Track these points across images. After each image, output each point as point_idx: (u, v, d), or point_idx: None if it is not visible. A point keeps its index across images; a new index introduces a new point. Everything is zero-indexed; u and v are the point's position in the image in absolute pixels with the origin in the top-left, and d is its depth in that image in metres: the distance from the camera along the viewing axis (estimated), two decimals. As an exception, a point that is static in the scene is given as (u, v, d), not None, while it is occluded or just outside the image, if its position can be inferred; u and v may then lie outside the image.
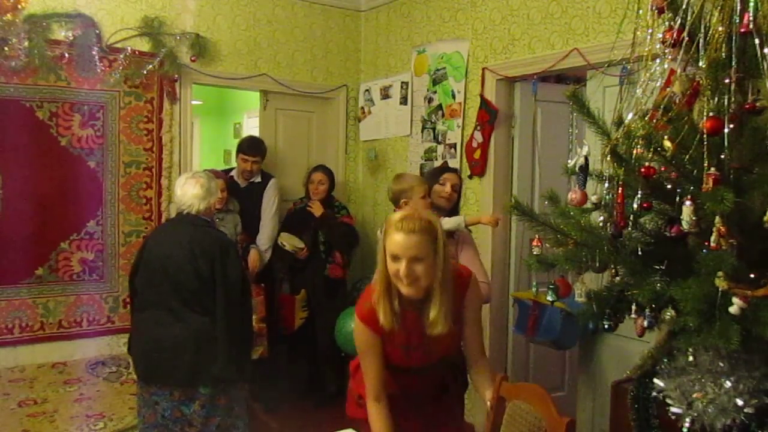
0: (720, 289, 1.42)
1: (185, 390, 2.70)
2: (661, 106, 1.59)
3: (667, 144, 1.57)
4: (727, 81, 1.50)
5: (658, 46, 1.66)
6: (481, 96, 3.94)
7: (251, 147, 4.28)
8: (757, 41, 1.46)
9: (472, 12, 4.07)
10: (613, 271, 1.75)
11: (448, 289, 1.94)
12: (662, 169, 1.65)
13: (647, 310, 1.62)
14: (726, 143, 1.47)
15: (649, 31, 1.66)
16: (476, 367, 2.16)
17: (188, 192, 2.79)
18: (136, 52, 3.96)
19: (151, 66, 3.99)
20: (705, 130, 1.47)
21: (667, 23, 1.64)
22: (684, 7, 1.59)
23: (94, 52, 3.80)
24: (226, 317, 2.69)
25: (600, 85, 3.21)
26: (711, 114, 1.48)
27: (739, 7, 1.48)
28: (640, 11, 1.71)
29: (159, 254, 2.77)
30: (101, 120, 3.94)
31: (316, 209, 4.23)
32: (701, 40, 1.54)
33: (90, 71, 3.82)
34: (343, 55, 4.97)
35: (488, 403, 2.08)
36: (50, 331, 3.81)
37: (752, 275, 1.48)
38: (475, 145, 3.99)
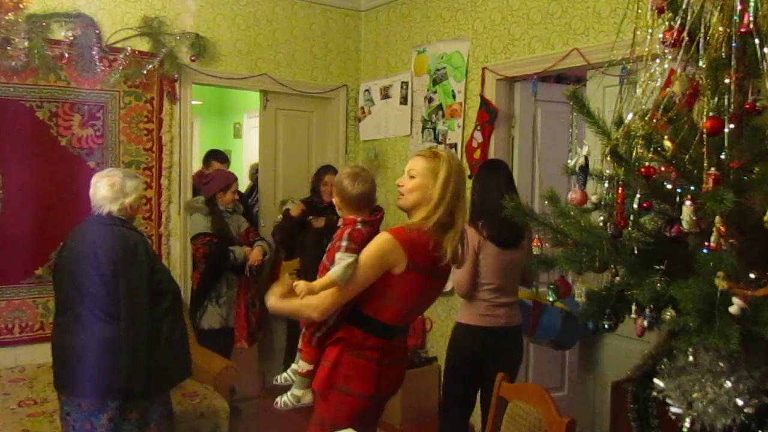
0: (720, 289, 1.42)
1: (92, 401, 2.54)
2: (661, 106, 1.60)
3: (667, 144, 1.57)
4: (727, 81, 1.50)
5: (658, 46, 1.66)
6: (481, 96, 3.94)
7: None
8: (757, 41, 1.46)
9: (472, 12, 4.07)
10: (613, 271, 1.75)
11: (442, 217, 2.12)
12: (662, 169, 1.65)
13: (647, 310, 1.62)
14: (726, 143, 1.47)
15: (649, 31, 1.66)
16: None
17: (98, 193, 2.62)
18: (136, 52, 3.96)
19: (151, 66, 3.99)
20: (705, 130, 1.47)
21: (667, 23, 1.64)
22: (684, 7, 1.59)
23: (94, 52, 3.80)
24: (130, 324, 2.49)
25: (600, 85, 3.21)
26: (711, 114, 1.48)
27: (739, 7, 1.48)
28: (640, 11, 1.71)
29: (65, 257, 2.63)
30: (101, 120, 3.94)
31: (317, 222, 4.22)
32: (701, 40, 1.54)
33: (90, 71, 3.81)
34: (343, 55, 4.97)
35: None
36: (50, 331, 3.79)
37: (752, 275, 1.48)
38: (475, 145, 3.99)
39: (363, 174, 2.23)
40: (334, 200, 2.28)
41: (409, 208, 2.19)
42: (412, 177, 2.17)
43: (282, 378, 2.37)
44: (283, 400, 2.32)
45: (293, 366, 2.34)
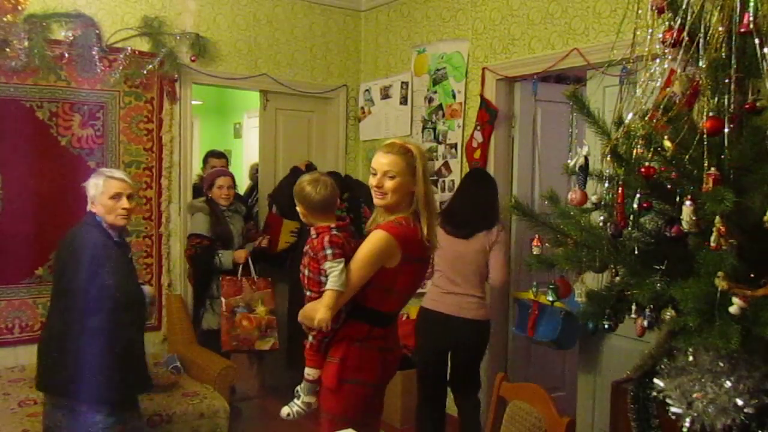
0: (720, 289, 1.42)
1: (50, 396, 2.58)
2: (661, 106, 1.59)
3: (667, 144, 1.57)
4: (727, 81, 1.50)
5: (658, 46, 1.65)
6: (481, 96, 3.94)
7: None
8: (757, 41, 1.46)
9: (472, 12, 4.07)
10: (613, 271, 1.75)
11: (431, 210, 2.23)
12: (662, 169, 1.65)
13: (647, 310, 1.63)
14: (726, 143, 1.47)
15: (649, 31, 1.66)
16: None
17: None
18: (136, 52, 3.96)
19: (151, 66, 3.99)
20: (705, 130, 1.47)
21: (667, 23, 1.63)
22: (684, 7, 1.59)
23: (94, 52, 3.80)
24: (67, 325, 2.47)
25: (600, 85, 3.21)
26: (711, 114, 1.48)
27: (739, 7, 1.48)
28: (640, 11, 1.71)
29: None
30: (101, 120, 3.94)
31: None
32: (701, 40, 1.54)
33: (90, 71, 3.82)
34: (343, 55, 4.97)
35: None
36: (50, 331, 3.81)
37: (752, 275, 1.48)
38: (475, 145, 3.99)
39: (323, 179, 2.28)
40: (298, 209, 2.31)
41: (393, 206, 2.24)
42: (391, 177, 2.18)
43: (295, 412, 2.34)
44: (295, 410, 2.34)
45: (304, 398, 2.34)
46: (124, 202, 2.60)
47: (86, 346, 2.45)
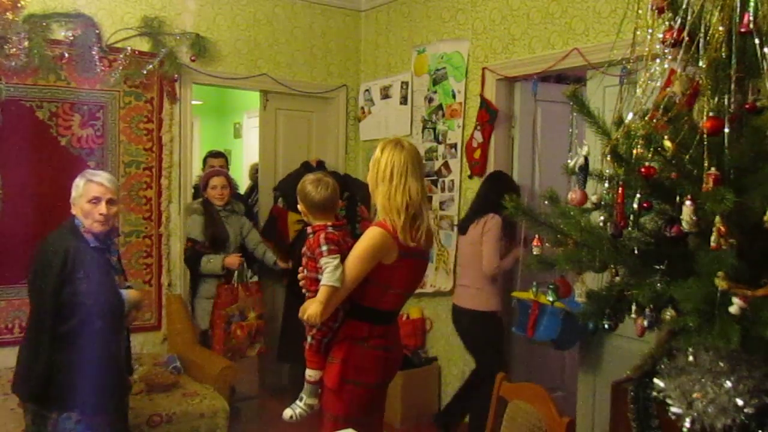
0: (720, 289, 1.42)
1: (20, 401, 2.60)
2: (661, 106, 1.59)
3: (667, 144, 1.57)
4: (727, 81, 1.50)
5: (658, 46, 1.66)
6: (481, 96, 3.94)
7: None
8: (757, 41, 1.46)
9: (472, 12, 4.07)
10: (613, 271, 1.76)
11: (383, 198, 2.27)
12: (662, 169, 1.65)
13: (647, 310, 1.63)
14: (726, 143, 1.47)
15: (649, 31, 1.66)
16: None
17: None
18: (136, 52, 3.96)
19: (151, 66, 3.99)
20: (705, 130, 1.47)
21: (667, 23, 1.64)
22: (684, 7, 1.59)
23: (94, 52, 3.80)
24: (36, 332, 2.39)
25: (600, 85, 3.21)
26: (711, 114, 1.47)
27: (739, 7, 1.48)
28: (640, 11, 1.71)
29: None
30: (101, 120, 3.94)
31: None
32: (701, 40, 1.54)
33: (90, 71, 3.82)
34: (343, 55, 4.97)
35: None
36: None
37: (752, 275, 1.48)
38: (475, 145, 3.99)
39: (325, 180, 2.32)
40: (299, 207, 2.35)
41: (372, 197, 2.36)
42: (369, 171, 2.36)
43: (297, 414, 2.34)
44: (297, 412, 2.34)
45: (306, 399, 2.34)
46: (102, 208, 2.44)
47: (55, 352, 2.37)
